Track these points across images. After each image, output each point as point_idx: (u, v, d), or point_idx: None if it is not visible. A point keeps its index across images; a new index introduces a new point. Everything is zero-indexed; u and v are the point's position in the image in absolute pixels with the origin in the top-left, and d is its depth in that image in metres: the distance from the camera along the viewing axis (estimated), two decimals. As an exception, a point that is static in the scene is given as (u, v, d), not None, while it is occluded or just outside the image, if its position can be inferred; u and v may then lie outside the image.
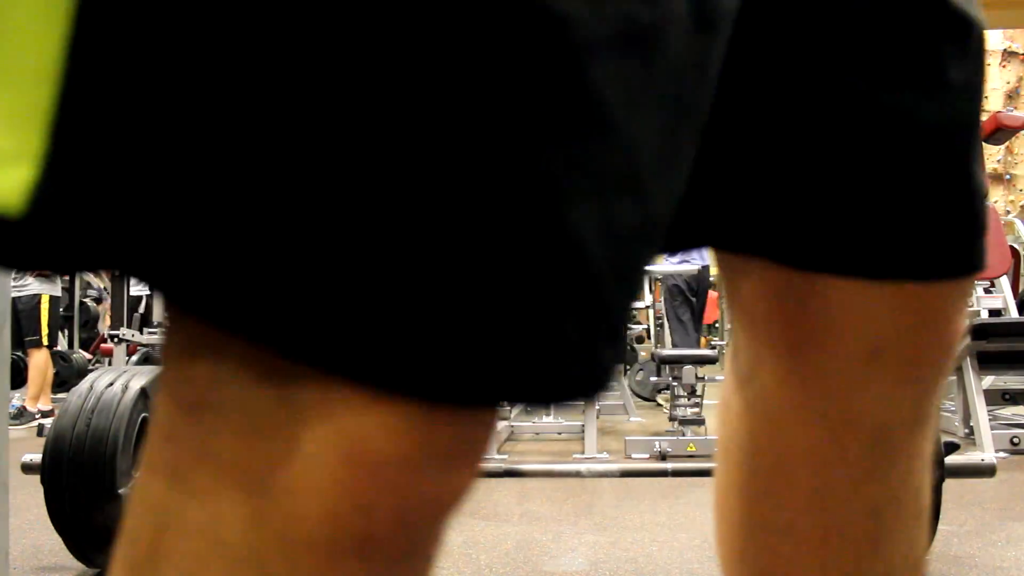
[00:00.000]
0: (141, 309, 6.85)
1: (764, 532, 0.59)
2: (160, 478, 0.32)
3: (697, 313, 5.75)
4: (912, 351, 0.51)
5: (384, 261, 0.27)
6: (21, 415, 5.34)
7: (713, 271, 5.30)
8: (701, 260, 5.33)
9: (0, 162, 0.26)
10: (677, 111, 0.33)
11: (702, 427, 3.90)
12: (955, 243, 0.49)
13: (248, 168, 0.26)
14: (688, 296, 5.56)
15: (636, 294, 0.33)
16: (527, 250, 0.28)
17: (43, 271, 0.30)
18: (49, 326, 5.81)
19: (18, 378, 6.24)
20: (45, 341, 5.77)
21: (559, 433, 4.36)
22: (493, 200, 0.27)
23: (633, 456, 3.71)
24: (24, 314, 5.65)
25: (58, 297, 6.02)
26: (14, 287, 5.63)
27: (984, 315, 4.47)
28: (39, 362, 5.75)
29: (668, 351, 4.55)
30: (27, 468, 1.88)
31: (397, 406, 0.29)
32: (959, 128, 0.48)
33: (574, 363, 0.30)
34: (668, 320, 5.60)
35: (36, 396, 5.56)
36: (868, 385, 0.52)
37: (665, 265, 5.36)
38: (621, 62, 0.29)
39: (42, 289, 5.73)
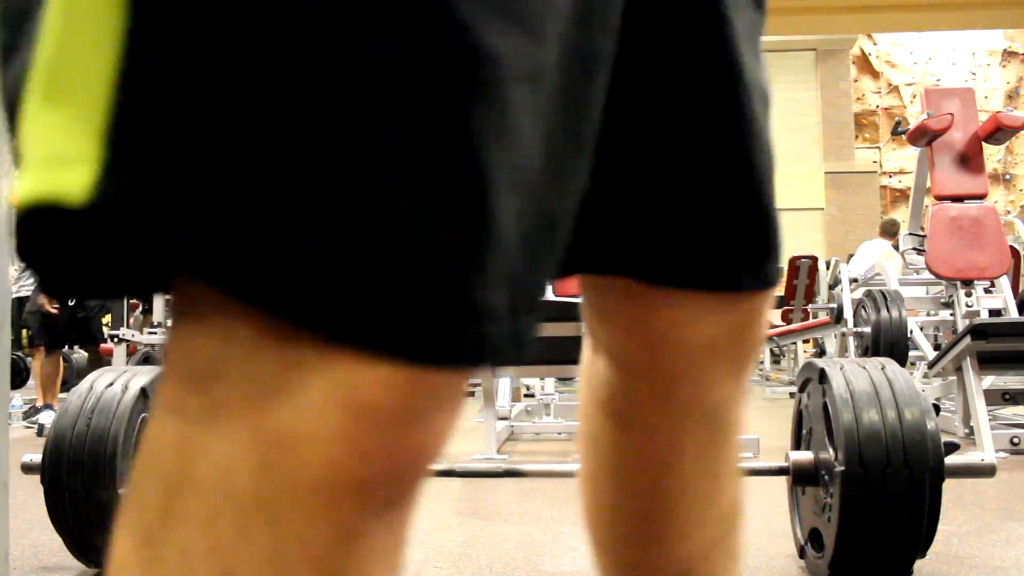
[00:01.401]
0: (138, 312, 6.83)
1: (638, 498, 0.78)
2: (168, 447, 0.36)
3: None
4: (738, 347, 0.69)
5: (376, 244, 0.33)
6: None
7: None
8: None
9: (65, 164, 0.32)
10: (562, 130, 0.42)
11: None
12: (762, 263, 0.65)
13: (254, 158, 0.32)
14: None
15: (547, 280, 0.42)
16: (463, 232, 0.34)
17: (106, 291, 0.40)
18: None
19: (18, 378, 6.25)
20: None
21: (559, 433, 4.36)
22: (437, 191, 0.34)
23: (633, 456, 3.70)
24: (36, 315, 5.65)
25: None
26: (23, 285, 5.63)
27: (984, 315, 4.48)
28: (57, 361, 5.77)
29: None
30: (27, 468, 1.88)
31: (389, 365, 0.34)
32: (757, 167, 0.61)
33: (501, 327, 0.37)
34: None
35: (57, 394, 5.59)
36: (708, 373, 0.69)
37: None
38: (526, 89, 0.37)
39: None
